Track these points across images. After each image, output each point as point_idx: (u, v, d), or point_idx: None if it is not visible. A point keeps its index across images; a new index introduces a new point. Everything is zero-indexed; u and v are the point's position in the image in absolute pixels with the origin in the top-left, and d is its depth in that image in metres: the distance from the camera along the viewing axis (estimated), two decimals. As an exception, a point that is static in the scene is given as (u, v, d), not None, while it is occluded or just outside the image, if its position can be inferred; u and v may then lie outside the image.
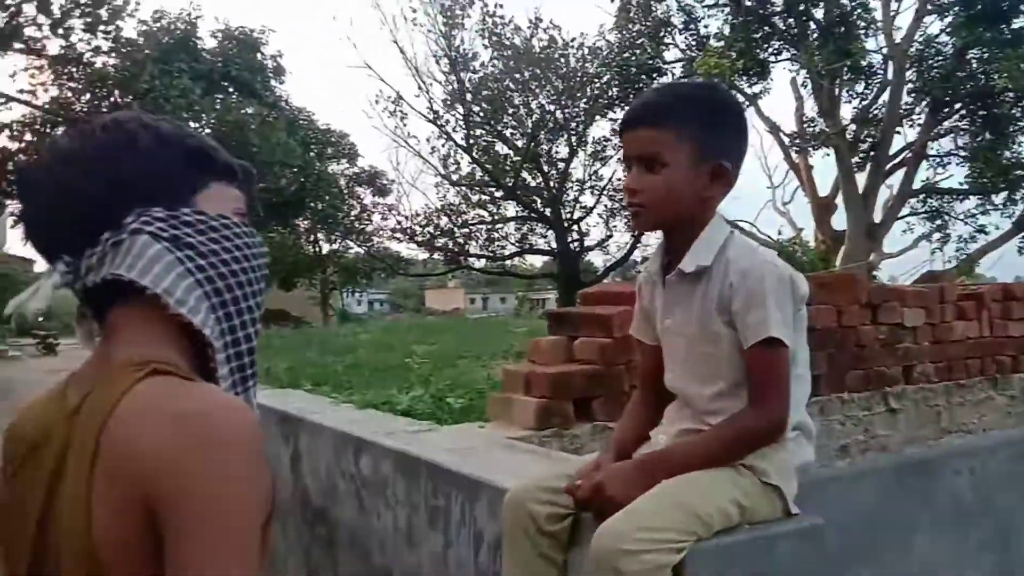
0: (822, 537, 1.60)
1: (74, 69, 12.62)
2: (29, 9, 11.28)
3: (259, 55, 18.74)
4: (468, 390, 3.68)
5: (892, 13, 15.62)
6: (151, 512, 0.74)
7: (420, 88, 18.14)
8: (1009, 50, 13.35)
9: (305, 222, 25.40)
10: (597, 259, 24.24)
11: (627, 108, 1.66)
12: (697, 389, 1.61)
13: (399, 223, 21.74)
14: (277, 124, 16.72)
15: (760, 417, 1.51)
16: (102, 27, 12.09)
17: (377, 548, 2.57)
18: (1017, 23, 14.64)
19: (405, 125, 19.34)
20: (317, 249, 26.83)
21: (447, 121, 18.80)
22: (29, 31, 11.52)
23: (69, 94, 13.05)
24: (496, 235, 21.64)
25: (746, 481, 1.52)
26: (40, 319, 0.93)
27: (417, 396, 3.50)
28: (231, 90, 17.47)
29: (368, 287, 36.39)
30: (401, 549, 2.43)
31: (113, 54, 12.85)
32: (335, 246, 26.80)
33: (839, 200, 16.77)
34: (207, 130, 15.76)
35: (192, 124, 15.67)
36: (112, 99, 13.14)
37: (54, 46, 12.14)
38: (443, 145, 19.68)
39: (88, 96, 13.07)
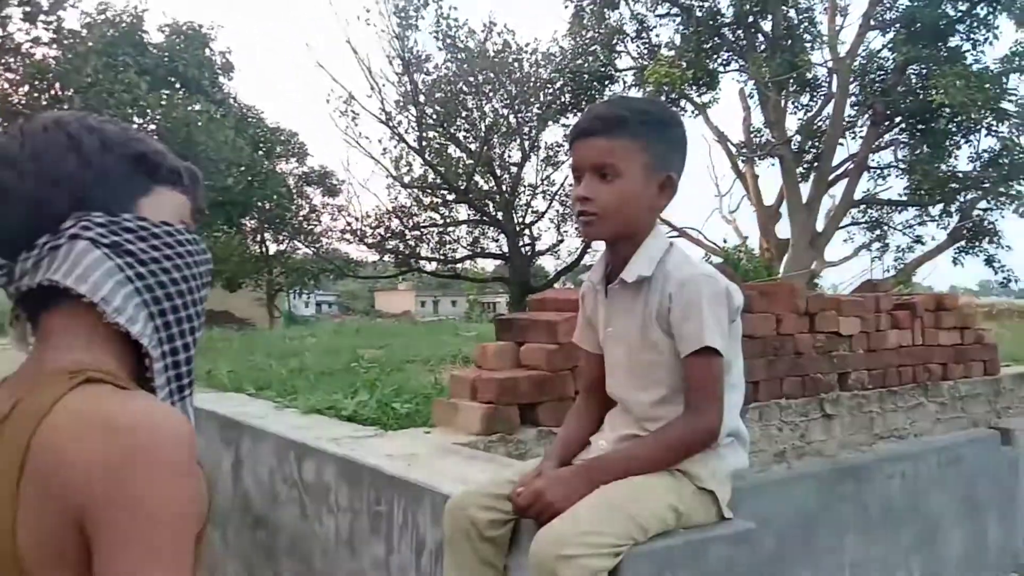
0: (755, 540, 1.65)
1: (12, 60, 12.21)
2: (-35, -3, 10.91)
3: (207, 51, 18.41)
4: (414, 395, 3.66)
5: (837, 28, 16.09)
6: (79, 521, 0.73)
7: (373, 89, 18.00)
8: (947, 67, 13.85)
9: (252, 222, 24.97)
10: (548, 263, 24.38)
11: (579, 118, 1.67)
12: (637, 396, 1.64)
13: (349, 224, 21.51)
14: (225, 121, 16.42)
15: (694, 423, 1.55)
16: (43, 17, 11.75)
17: (319, 554, 2.55)
18: (954, 41, 15.23)
19: (357, 125, 19.14)
20: (264, 249, 26.39)
21: (399, 123, 18.68)
22: (-36, 19, 11.15)
23: (6, 85, 12.62)
24: (448, 238, 21.57)
25: (682, 486, 1.56)
26: None
27: (363, 401, 3.48)
28: (178, 86, 17.11)
29: (316, 289, 35.91)
30: (343, 555, 2.41)
31: (54, 45, 12.48)
32: (282, 246, 26.40)
33: (783, 209, 17.18)
34: (152, 126, 15.39)
35: (137, 120, 15.27)
36: (52, 92, 12.76)
37: (-9, 36, 11.76)
38: (395, 147, 19.55)
39: (27, 88, 12.65)
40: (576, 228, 20.48)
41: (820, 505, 3.65)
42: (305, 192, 25.72)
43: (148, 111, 14.78)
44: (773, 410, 3.68)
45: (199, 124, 15.18)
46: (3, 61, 11.97)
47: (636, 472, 1.53)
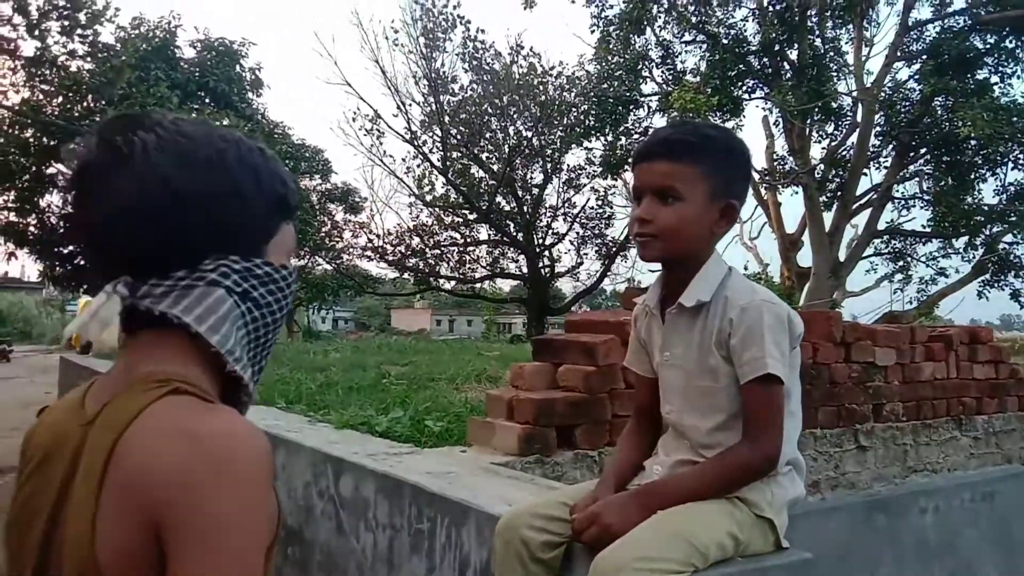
0: (810, 572, 1.63)
1: (48, 72, 12.43)
2: (5, 8, 11.13)
3: (238, 67, 18.65)
4: (446, 413, 3.66)
5: (863, 58, 16.09)
6: (157, 529, 0.74)
7: (399, 108, 18.18)
8: (973, 100, 13.79)
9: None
10: (566, 286, 24.37)
11: (644, 140, 1.69)
12: (695, 422, 1.63)
13: (370, 241, 21.65)
14: (252, 137, 16.56)
15: (755, 451, 1.54)
16: (79, 31, 11.97)
17: (354, 570, 2.54)
18: (981, 74, 15.18)
19: (381, 144, 19.34)
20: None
21: (424, 142, 18.84)
22: (4, 31, 11.36)
23: (41, 97, 12.83)
24: (467, 257, 21.64)
25: (741, 514, 1.54)
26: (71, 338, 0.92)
27: (396, 418, 3.48)
28: (208, 100, 17.31)
29: (334, 305, 36.04)
30: (380, 572, 2.40)
31: (89, 59, 12.69)
32: (304, 262, 26.56)
33: (805, 237, 17.10)
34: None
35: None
36: (86, 104, 12.96)
37: (29, 48, 11.97)
38: (418, 166, 19.71)
39: (61, 99, 12.87)
40: (596, 248, 20.53)
41: (854, 537, 3.60)
42: (328, 208, 25.89)
43: (178, 125, 14.94)
44: (808, 440, 3.65)
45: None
46: (40, 73, 12.19)
47: (694, 498, 1.52)
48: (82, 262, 12.58)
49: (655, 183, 1.57)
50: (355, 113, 19.85)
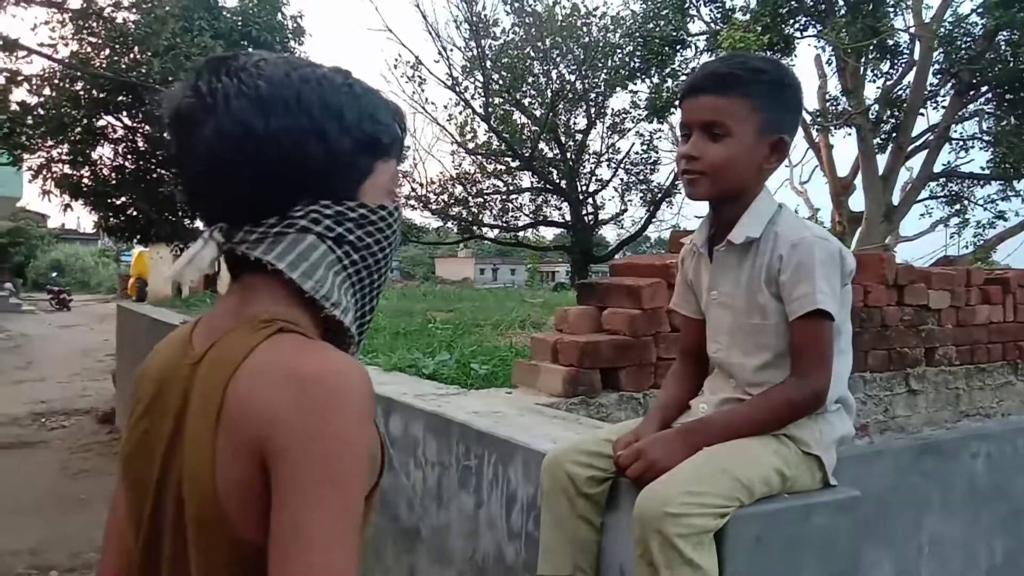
0: (858, 509, 1.63)
1: (95, 24, 12.54)
2: (51, -38, 11.23)
3: (280, 15, 18.60)
4: (492, 357, 3.70)
5: (923, -9, 15.36)
6: (265, 465, 0.77)
7: (440, 54, 18.01)
8: (1040, 33, 13.11)
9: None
10: (610, 233, 24.19)
11: (692, 74, 1.64)
12: (742, 360, 1.63)
13: (414, 190, 21.71)
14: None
15: (802, 388, 1.53)
16: (123, -19, 12.05)
17: (405, 506, 2.62)
18: (1050, 6, 14.38)
19: (423, 91, 19.25)
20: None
21: (465, 88, 18.69)
22: (50, -17, 11.50)
23: (89, 49, 12.97)
24: (510, 206, 21.58)
25: (788, 451, 1.54)
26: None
27: (442, 361, 3.53)
28: (251, 49, 17.27)
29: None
30: (430, 508, 2.47)
31: (134, 9, 12.77)
32: (351, 212, 26.71)
33: (858, 181, 16.63)
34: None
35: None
36: (132, 55, 13.07)
37: (75, 0, 12.09)
38: (460, 113, 19.59)
39: (108, 51, 13.00)
40: (640, 194, 20.29)
41: (902, 482, 3.58)
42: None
43: (222, 75, 15.00)
44: (857, 383, 3.60)
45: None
46: (87, 25, 12.31)
47: (740, 435, 1.52)
48: (134, 212, 12.85)
49: (703, 118, 1.54)
50: (396, 60, 19.73)
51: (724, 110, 1.52)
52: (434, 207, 21.18)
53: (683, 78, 16.77)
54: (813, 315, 1.50)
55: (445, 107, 19.65)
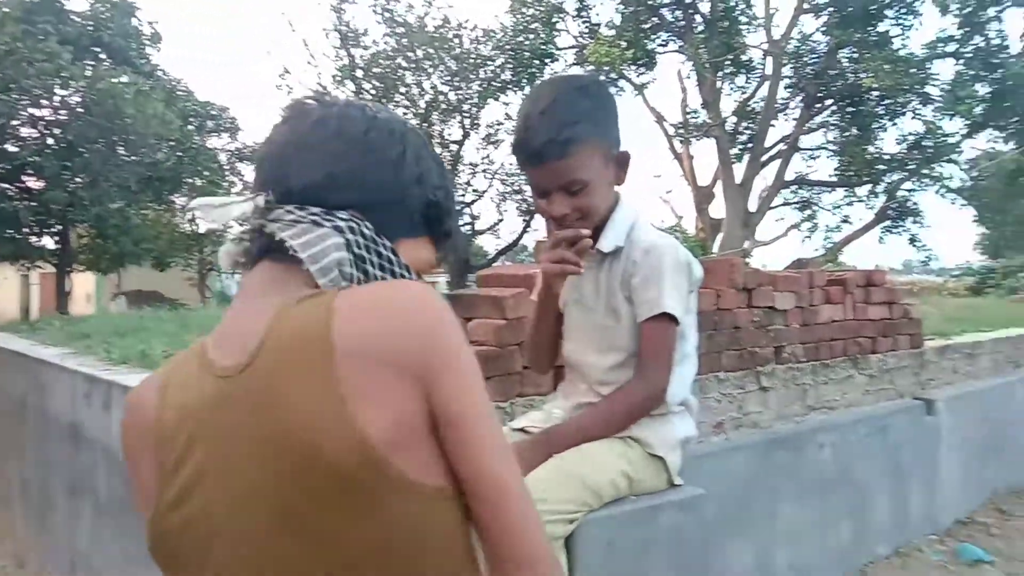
0: (702, 507, 1.70)
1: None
2: None
3: (135, 20, 17.66)
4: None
5: (772, 11, 16.41)
6: (422, 387, 0.76)
7: (309, 63, 17.63)
8: (876, 51, 14.27)
9: (182, 199, 24.21)
10: (488, 243, 24.37)
11: (521, 135, 1.59)
12: (594, 359, 1.67)
13: (284, 202, 21.08)
14: (153, 94, 15.80)
15: (642, 388, 1.58)
16: (-46, -20, 11.11)
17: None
18: (883, 26, 15.70)
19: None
20: (195, 227, 25.62)
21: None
22: None
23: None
24: (386, 216, 21.31)
25: (634, 453, 1.59)
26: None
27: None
28: (103, 56, 16.34)
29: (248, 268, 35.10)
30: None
31: (-34, 11, 11.82)
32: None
33: (718, 189, 17.53)
34: (77, 98, 14.71)
35: (61, 91, 14.57)
36: (-34, 59, 12.08)
37: None
38: (332, 122, 19.18)
39: (-63, 55, 11.95)
40: (516, 205, 20.54)
41: (756, 474, 3.77)
42: (238, 169, 25.07)
43: (72, 82, 14.11)
44: (712, 383, 3.77)
45: (127, 96, 14.56)
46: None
47: (588, 439, 1.56)
48: None
49: (560, 183, 1.55)
50: (264, 69, 19.16)
51: (576, 168, 1.53)
52: (307, 219, 20.63)
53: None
54: (659, 318, 1.56)
55: (316, 117, 19.10)
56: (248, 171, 24.43)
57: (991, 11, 15.30)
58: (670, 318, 1.56)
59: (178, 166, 19.82)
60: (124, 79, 15.31)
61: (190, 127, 21.27)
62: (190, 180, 22.05)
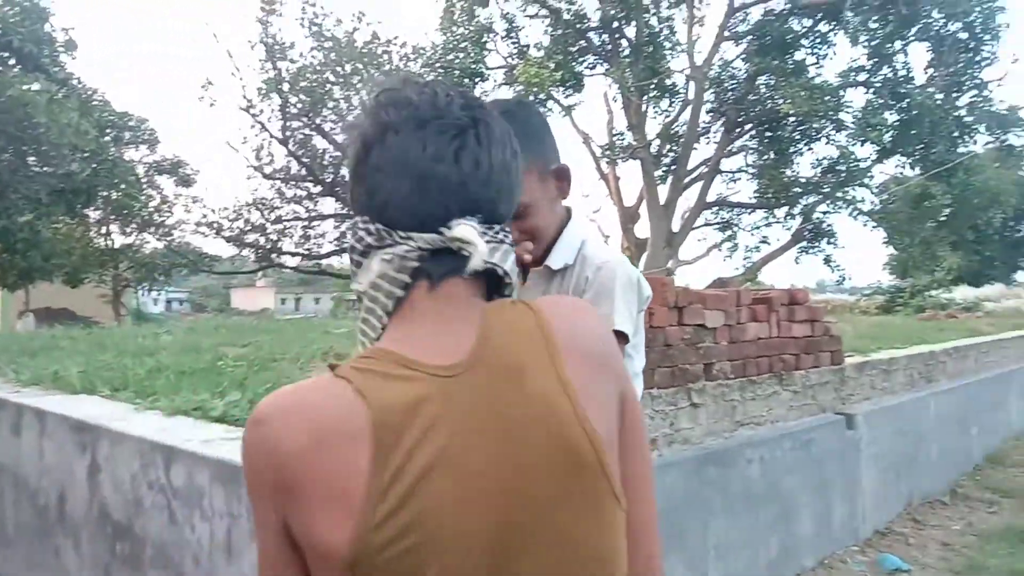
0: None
1: None
2: None
3: (47, 26, 16.93)
4: (289, 392, 3.52)
5: (695, 37, 16.90)
6: (618, 391, 0.81)
7: (233, 75, 17.25)
8: (792, 79, 14.85)
9: (97, 212, 23.22)
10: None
11: None
12: None
13: (205, 216, 20.53)
14: (68, 103, 15.14)
15: None
16: None
17: (191, 562, 2.40)
18: (799, 55, 16.38)
19: (215, 112, 18.29)
20: (109, 242, 24.60)
21: (261, 111, 18.01)
22: None
23: None
24: (312, 232, 20.99)
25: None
26: None
27: (233, 402, 3.31)
28: (13, 62, 15.60)
29: (167, 285, 33.99)
30: (218, 562, 2.28)
31: None
32: (130, 239, 24.71)
33: (643, 210, 17.88)
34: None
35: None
36: None
37: None
38: (256, 135, 18.83)
39: None
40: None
41: (689, 491, 3.82)
42: (156, 182, 24.25)
43: (-23, 88, 13.43)
44: (645, 400, 3.81)
45: (39, 105, 13.91)
46: None
47: None
48: None
49: None
50: (186, 80, 18.66)
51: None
52: (228, 234, 20.14)
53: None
54: None
55: (239, 130, 18.81)
56: (167, 184, 23.65)
57: (897, 44, 16.15)
58: (621, 336, 1.55)
59: (93, 178, 19.03)
60: (36, 86, 14.64)
61: (106, 138, 20.50)
62: (105, 193, 21.21)
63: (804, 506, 4.62)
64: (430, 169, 0.81)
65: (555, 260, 1.62)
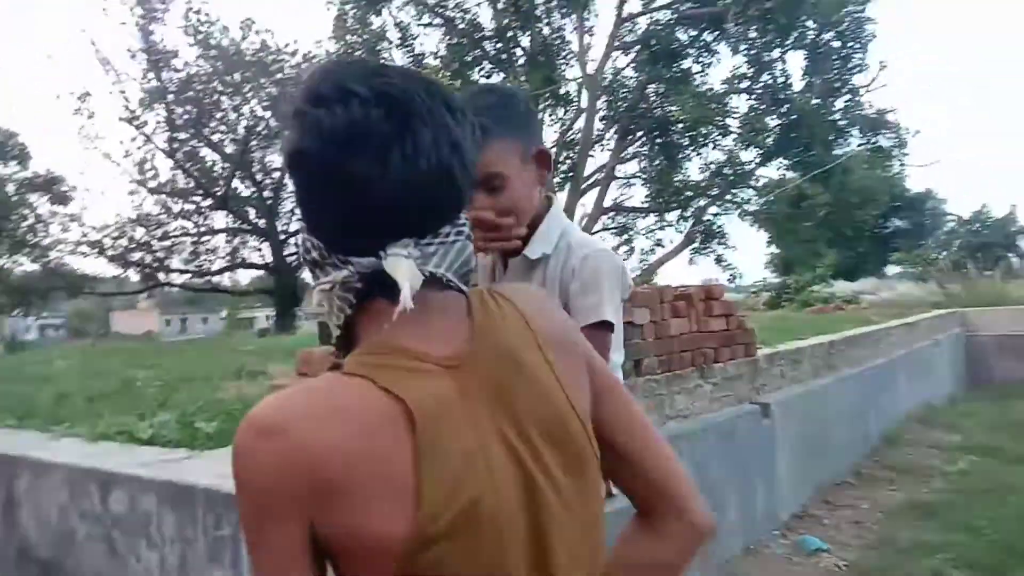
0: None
1: None
2: None
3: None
4: (219, 412, 3.37)
5: (587, 46, 17.29)
6: (587, 371, 0.86)
7: (113, 84, 16.37)
8: (680, 87, 15.42)
9: (-40, 233, 21.55)
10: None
11: None
12: None
13: (84, 235, 19.38)
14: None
15: None
16: None
17: (137, 595, 2.25)
18: (686, 64, 17.03)
19: (93, 124, 17.32)
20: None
21: (145, 123, 17.17)
22: None
23: None
24: (202, 248, 20.16)
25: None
26: None
27: (162, 422, 3.13)
28: None
29: (44, 310, 31.84)
30: (171, 591, 2.15)
31: None
32: (1, 262, 23.03)
33: (544, 215, 18.10)
34: None
35: None
36: None
37: None
38: (140, 148, 17.92)
39: None
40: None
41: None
42: (28, 200, 22.71)
43: None
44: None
45: None
46: None
47: None
48: None
49: (479, 176, 1.51)
50: (60, 91, 17.58)
51: (492, 162, 1.47)
52: (111, 253, 19.08)
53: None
54: (597, 326, 1.55)
55: (121, 143, 17.81)
56: (41, 202, 22.17)
57: (776, 52, 17.06)
58: (609, 325, 1.55)
59: (-45, 197, 17.63)
60: None
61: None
62: (-31, 212, 19.70)
63: (730, 494, 4.77)
64: (360, 188, 0.76)
65: (533, 250, 1.61)
